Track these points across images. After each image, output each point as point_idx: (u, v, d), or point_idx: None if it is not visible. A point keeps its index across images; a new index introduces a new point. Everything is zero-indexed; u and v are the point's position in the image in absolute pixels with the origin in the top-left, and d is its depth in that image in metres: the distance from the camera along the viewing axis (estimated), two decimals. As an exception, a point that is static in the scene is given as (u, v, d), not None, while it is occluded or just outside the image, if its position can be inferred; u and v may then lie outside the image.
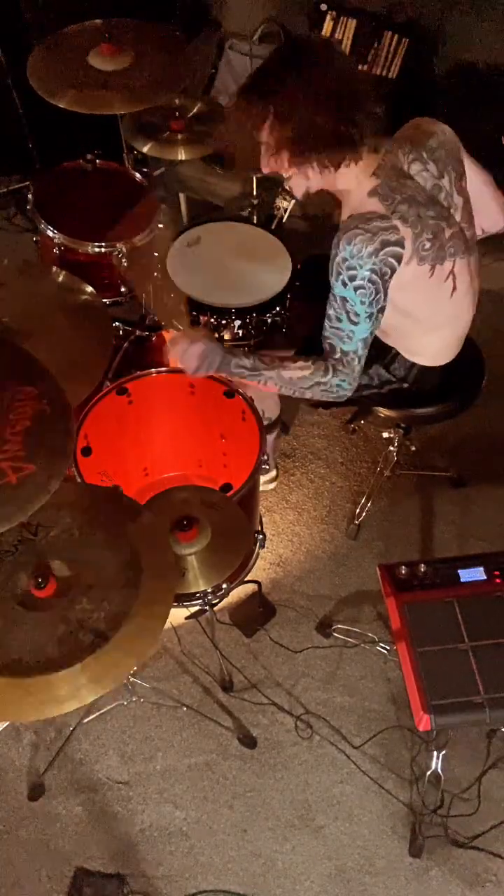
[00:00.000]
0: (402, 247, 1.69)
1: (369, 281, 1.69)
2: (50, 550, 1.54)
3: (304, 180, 1.75)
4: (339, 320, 1.75)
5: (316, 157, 1.67)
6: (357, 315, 1.73)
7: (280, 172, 1.75)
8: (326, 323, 1.78)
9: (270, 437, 2.67)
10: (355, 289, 1.70)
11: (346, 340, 1.77)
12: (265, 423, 2.56)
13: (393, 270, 1.71)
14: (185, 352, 1.87)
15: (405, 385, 2.09)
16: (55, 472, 1.38)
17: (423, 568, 1.94)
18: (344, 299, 1.72)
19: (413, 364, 2.05)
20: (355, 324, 1.75)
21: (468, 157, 1.90)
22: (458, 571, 1.93)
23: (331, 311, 1.76)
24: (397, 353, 2.04)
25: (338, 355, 1.80)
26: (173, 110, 2.51)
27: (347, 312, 1.74)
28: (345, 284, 1.70)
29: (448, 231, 1.79)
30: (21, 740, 2.21)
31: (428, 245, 1.74)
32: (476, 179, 1.93)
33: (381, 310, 1.76)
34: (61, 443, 1.44)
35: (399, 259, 1.70)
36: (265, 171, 1.77)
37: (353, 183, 1.74)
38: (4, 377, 1.51)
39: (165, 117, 2.52)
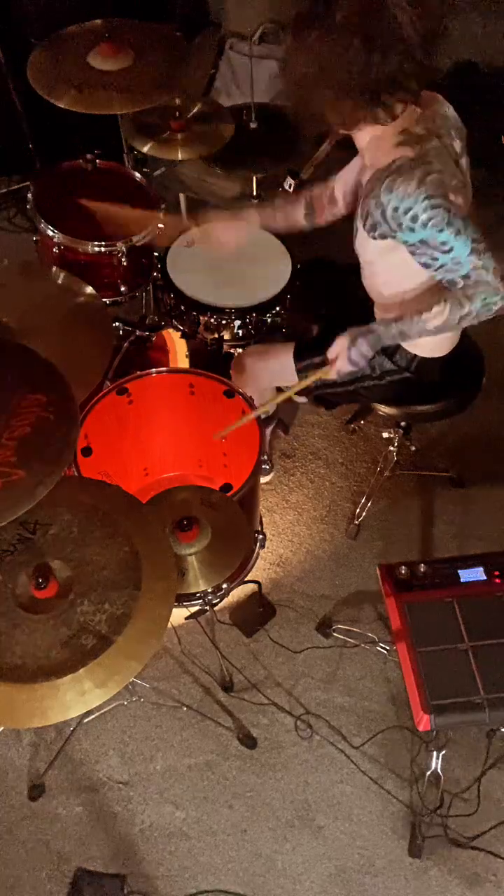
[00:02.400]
0: (442, 173, 1.62)
1: (432, 207, 1.60)
2: (49, 549, 1.54)
3: (350, 124, 1.69)
4: (436, 259, 1.67)
5: (348, 101, 1.61)
6: (445, 243, 1.63)
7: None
8: (428, 271, 1.71)
9: (266, 431, 2.66)
10: (425, 224, 1.61)
11: (457, 269, 1.68)
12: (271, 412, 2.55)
13: (445, 189, 1.62)
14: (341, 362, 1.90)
15: (406, 374, 2.07)
16: (45, 480, 1.38)
17: (423, 568, 1.94)
18: (423, 242, 1.65)
19: (414, 355, 2.04)
20: (450, 250, 1.64)
21: None
22: (458, 571, 1.93)
23: (424, 259, 1.69)
24: (402, 349, 2.04)
25: (461, 285, 1.70)
26: (173, 110, 2.51)
27: (437, 248, 1.65)
28: (412, 230, 1.63)
29: (463, 200, 1.71)
30: (21, 740, 2.21)
31: (452, 196, 1.65)
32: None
33: (465, 220, 1.64)
34: (57, 452, 1.44)
35: (445, 184, 1.62)
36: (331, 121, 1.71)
37: (377, 138, 1.69)
38: (16, 382, 1.52)
39: (165, 117, 2.51)
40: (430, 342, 2.01)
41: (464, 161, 1.77)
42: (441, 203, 1.61)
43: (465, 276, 1.69)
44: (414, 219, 1.62)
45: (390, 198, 1.62)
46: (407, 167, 1.61)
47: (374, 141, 1.73)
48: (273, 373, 2.27)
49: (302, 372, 2.16)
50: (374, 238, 1.75)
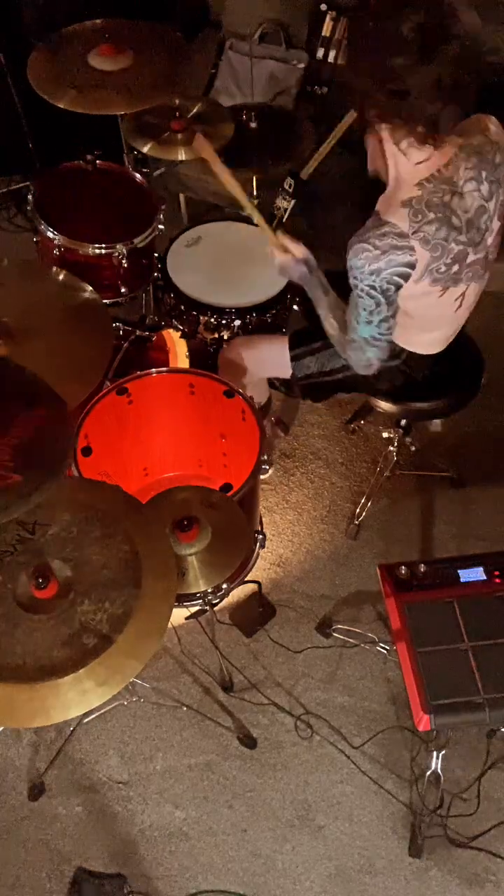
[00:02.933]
0: (413, 268, 1.67)
1: (368, 294, 1.71)
2: (49, 549, 1.54)
3: (373, 146, 1.70)
4: (350, 312, 1.82)
5: (384, 121, 1.57)
6: (358, 317, 1.79)
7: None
8: (349, 303, 1.83)
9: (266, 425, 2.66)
10: (357, 296, 1.74)
11: (352, 330, 1.84)
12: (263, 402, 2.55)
13: (398, 287, 1.70)
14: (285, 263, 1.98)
15: (397, 362, 2.06)
16: (41, 485, 1.38)
17: (423, 568, 1.94)
18: (352, 298, 1.77)
19: (403, 349, 2.04)
20: (357, 322, 1.80)
21: None
22: (458, 571, 1.93)
23: (349, 300, 1.80)
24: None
25: (348, 336, 1.88)
26: (173, 110, 2.51)
27: (353, 309, 1.79)
28: (353, 287, 1.74)
29: (472, 257, 1.75)
30: (21, 740, 2.21)
31: (444, 269, 1.71)
32: None
33: (386, 319, 1.77)
34: (55, 457, 1.44)
35: (406, 278, 1.69)
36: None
37: (403, 176, 1.66)
38: (17, 401, 1.52)
39: (165, 117, 2.51)
40: (424, 343, 2.02)
41: (491, 204, 1.70)
42: (379, 297, 1.71)
43: (352, 339, 1.87)
44: (355, 286, 1.72)
45: (353, 260, 1.68)
46: (385, 246, 1.63)
47: (395, 180, 1.69)
48: (265, 363, 2.27)
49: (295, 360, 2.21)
50: None
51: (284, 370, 2.21)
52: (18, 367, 1.60)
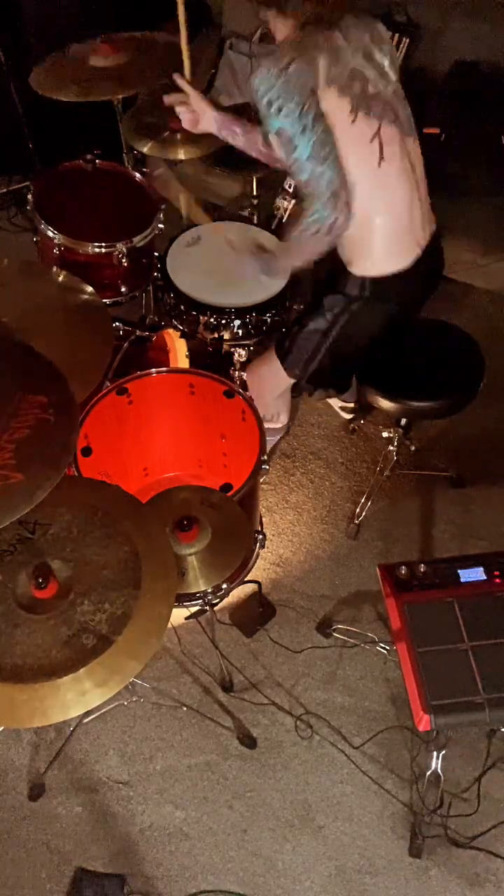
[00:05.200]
0: (311, 64, 1.70)
1: (286, 98, 1.69)
2: (49, 549, 1.54)
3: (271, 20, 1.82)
4: (288, 156, 1.78)
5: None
6: (291, 139, 1.74)
7: None
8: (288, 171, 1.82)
9: (274, 438, 2.68)
10: (278, 110, 1.71)
11: (299, 171, 1.79)
12: (281, 424, 2.58)
13: (307, 81, 1.71)
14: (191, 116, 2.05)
15: (360, 303, 2.05)
16: (43, 483, 1.38)
17: (423, 568, 1.94)
18: (277, 131, 1.74)
19: (363, 278, 2.02)
20: (295, 147, 1.75)
21: None
22: (458, 571, 1.93)
23: (282, 153, 1.78)
24: (347, 273, 2.04)
25: (303, 193, 1.83)
26: (173, 110, 2.51)
27: (286, 142, 1.75)
28: (269, 117, 1.73)
29: (372, 89, 1.80)
30: (21, 740, 2.21)
31: (346, 80, 1.75)
32: None
33: (316, 119, 1.74)
34: (57, 454, 1.44)
35: (313, 75, 1.71)
36: None
37: (281, 33, 1.80)
38: (16, 383, 1.51)
39: (165, 117, 2.51)
40: (378, 251, 2.00)
41: (384, 57, 1.84)
42: (294, 92, 1.69)
43: (305, 184, 1.79)
44: (269, 104, 1.71)
45: (255, 80, 1.70)
46: (276, 54, 1.70)
47: (279, 38, 1.82)
48: (269, 381, 2.29)
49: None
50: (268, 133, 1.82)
51: (285, 378, 2.23)
52: (22, 345, 1.60)
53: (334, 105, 1.76)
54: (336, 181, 1.81)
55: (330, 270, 2.09)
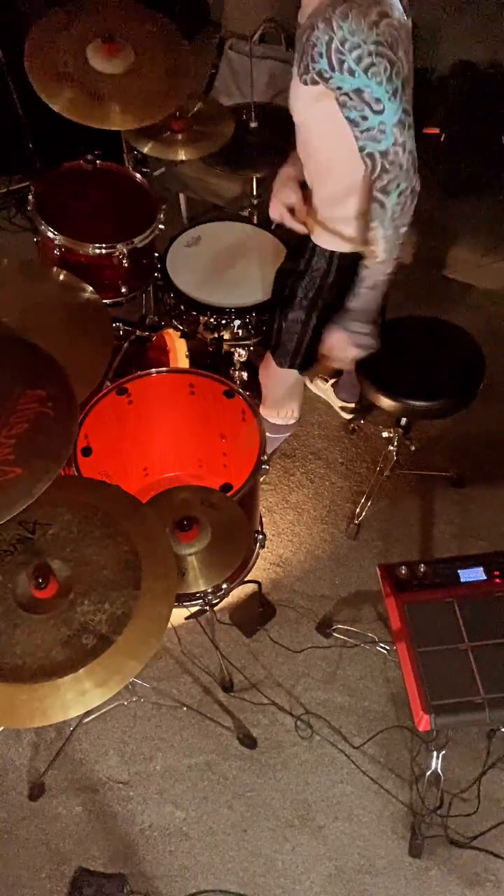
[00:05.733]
0: (394, 23, 1.51)
1: (378, 55, 1.49)
2: (49, 549, 1.54)
3: None
4: (365, 118, 1.56)
5: None
6: (379, 100, 1.53)
7: None
8: (353, 132, 1.60)
9: (284, 435, 2.68)
10: (366, 70, 1.50)
11: (380, 138, 1.58)
12: (293, 421, 2.57)
13: (396, 42, 1.51)
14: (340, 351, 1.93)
15: (334, 278, 1.97)
16: (43, 476, 1.38)
17: (423, 568, 1.94)
18: (358, 92, 1.53)
19: (332, 253, 1.93)
20: (380, 112, 1.55)
21: None
22: (458, 571, 1.93)
23: (353, 115, 1.57)
24: (310, 249, 1.95)
25: (378, 163, 1.61)
26: (173, 110, 2.51)
27: (370, 104, 1.54)
28: (352, 72, 1.51)
29: (406, 65, 1.61)
30: (21, 740, 2.21)
31: (401, 55, 1.56)
32: None
33: (404, 84, 1.55)
34: (56, 447, 1.43)
35: (396, 41, 1.51)
36: None
37: None
38: (15, 378, 1.51)
39: (165, 117, 2.52)
40: (353, 231, 1.88)
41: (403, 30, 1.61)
42: (388, 53, 1.50)
43: (384, 153, 1.60)
44: (358, 59, 1.49)
45: (342, 27, 1.47)
46: (355, 4, 1.48)
47: None
48: (274, 378, 2.29)
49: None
50: (306, 83, 1.61)
51: (285, 374, 2.23)
52: (20, 340, 1.60)
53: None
54: (414, 150, 1.62)
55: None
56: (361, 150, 1.63)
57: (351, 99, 1.55)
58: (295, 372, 2.26)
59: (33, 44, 2.39)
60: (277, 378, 2.32)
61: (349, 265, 1.92)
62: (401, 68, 1.55)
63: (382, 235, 1.73)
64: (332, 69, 1.54)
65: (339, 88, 1.56)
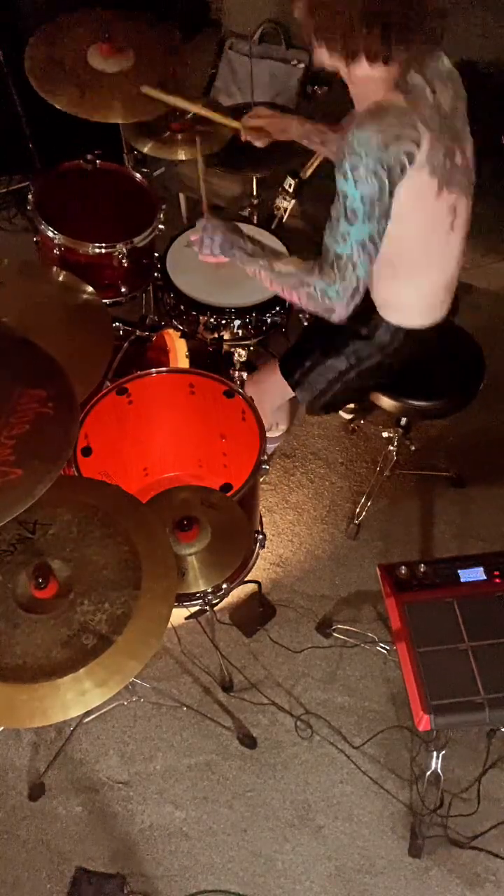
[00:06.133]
0: (418, 146, 1.58)
1: (373, 173, 1.57)
2: (49, 549, 1.54)
3: (320, 54, 1.65)
4: (338, 220, 1.65)
5: (327, 36, 1.58)
6: (355, 213, 1.62)
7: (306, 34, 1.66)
8: (326, 225, 1.69)
9: (273, 445, 2.68)
10: (356, 181, 1.58)
11: (339, 241, 1.66)
12: (280, 433, 2.58)
13: (402, 169, 1.59)
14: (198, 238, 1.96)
15: (386, 353, 2.01)
16: (43, 477, 1.38)
17: (423, 568, 1.94)
18: (344, 194, 1.61)
19: (398, 328, 1.97)
20: (351, 223, 1.63)
21: None
22: (458, 571, 1.93)
23: (332, 212, 1.66)
24: (380, 319, 1.97)
25: (330, 258, 1.70)
26: (173, 110, 2.51)
27: (346, 210, 1.62)
28: (345, 177, 1.59)
29: (459, 158, 1.70)
30: (21, 740, 2.21)
31: (441, 159, 1.63)
32: None
33: (385, 215, 1.63)
34: (57, 448, 1.43)
35: (412, 159, 1.58)
36: (296, 14, 1.67)
37: (371, 88, 1.63)
38: (15, 379, 1.51)
39: (165, 117, 2.51)
40: (419, 303, 1.94)
41: (459, 112, 1.72)
42: (384, 179, 1.58)
43: (338, 256, 1.68)
44: (354, 168, 1.58)
45: (357, 135, 1.56)
46: (390, 121, 1.56)
47: (363, 84, 1.66)
48: (271, 394, 2.29)
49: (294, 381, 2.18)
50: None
51: (288, 393, 2.23)
52: (20, 339, 1.60)
53: (421, 185, 1.65)
54: (363, 281, 1.73)
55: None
56: (323, 242, 1.72)
57: (337, 199, 1.64)
58: (289, 391, 2.24)
59: (35, 49, 2.41)
60: (271, 395, 2.31)
61: (411, 343, 1.98)
62: (386, 200, 1.61)
63: (270, 278, 1.85)
64: (336, 172, 1.63)
65: (336, 183, 1.65)
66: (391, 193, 1.62)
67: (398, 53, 1.57)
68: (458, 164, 1.71)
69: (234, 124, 2.12)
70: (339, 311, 1.78)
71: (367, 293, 1.88)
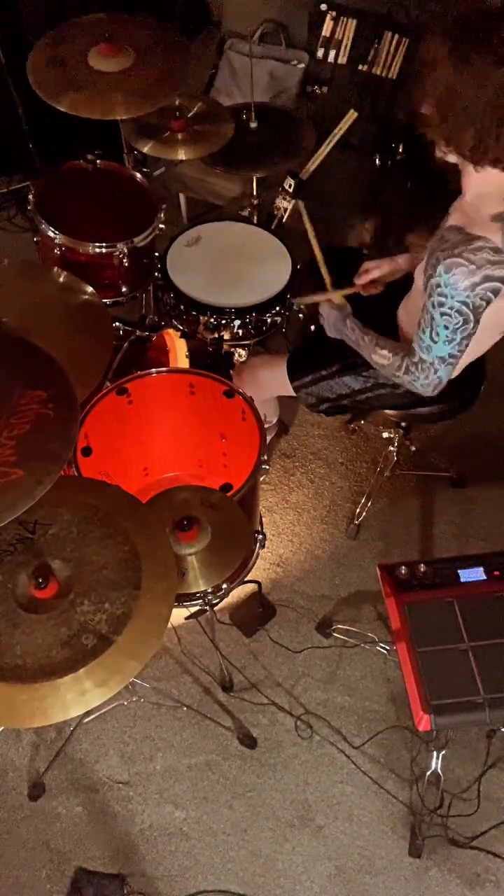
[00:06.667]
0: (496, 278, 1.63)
1: (458, 312, 1.64)
2: (49, 549, 1.54)
3: (440, 148, 1.65)
4: (424, 331, 1.73)
5: (454, 135, 1.58)
6: (437, 335, 1.70)
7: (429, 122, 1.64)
8: (417, 327, 1.75)
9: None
10: (442, 314, 1.66)
11: (423, 350, 1.75)
12: (268, 425, 2.57)
13: (488, 303, 1.65)
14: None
15: (400, 389, 2.05)
16: (44, 478, 1.38)
17: (423, 568, 1.94)
18: (431, 317, 1.69)
19: None
20: (434, 342, 1.72)
21: None
22: (458, 571, 1.93)
23: (421, 318, 1.73)
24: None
25: (416, 358, 1.79)
26: (173, 110, 2.51)
27: (431, 328, 1.70)
28: (434, 305, 1.66)
29: None
30: (21, 740, 2.21)
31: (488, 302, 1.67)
32: None
33: (468, 336, 1.71)
34: (57, 449, 1.43)
35: (496, 293, 1.64)
36: (419, 109, 1.65)
37: (486, 190, 1.65)
38: (15, 380, 1.51)
39: (165, 117, 2.51)
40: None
41: None
42: (469, 314, 1.65)
43: (422, 360, 1.77)
44: (441, 304, 1.65)
45: (445, 276, 1.61)
46: (481, 261, 1.59)
47: (476, 186, 1.68)
48: (269, 388, 2.28)
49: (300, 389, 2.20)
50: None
51: (288, 390, 2.22)
52: (19, 340, 1.60)
53: (495, 310, 1.69)
54: (445, 380, 1.81)
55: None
56: (415, 335, 1.78)
57: (425, 312, 1.71)
58: (288, 390, 2.23)
59: (36, 56, 2.41)
60: (269, 389, 2.30)
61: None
62: (472, 330, 1.69)
63: (382, 364, 1.91)
64: (424, 289, 1.69)
65: (426, 305, 1.70)
66: (476, 322, 1.68)
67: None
68: None
69: (353, 290, 2.09)
70: (426, 394, 1.87)
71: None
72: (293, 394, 2.22)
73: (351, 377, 2.10)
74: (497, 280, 1.61)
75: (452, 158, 1.66)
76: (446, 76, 1.52)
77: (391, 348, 1.88)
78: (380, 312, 2.06)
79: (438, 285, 1.63)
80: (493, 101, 1.50)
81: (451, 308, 1.64)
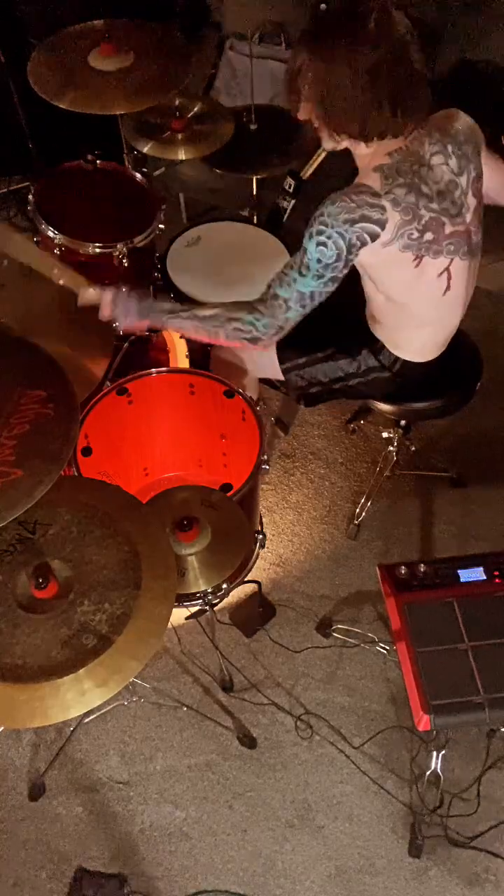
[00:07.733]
0: (382, 228, 1.68)
1: (333, 243, 1.68)
2: (49, 549, 1.54)
3: (330, 140, 1.74)
4: (290, 268, 1.75)
5: (341, 124, 1.66)
6: (307, 268, 1.72)
7: (310, 124, 1.75)
8: (278, 272, 1.79)
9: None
10: (317, 244, 1.69)
11: (283, 285, 1.76)
12: None
13: (362, 244, 1.69)
14: (102, 304, 1.92)
15: (389, 374, 2.07)
16: (44, 478, 1.38)
17: (422, 568, 1.94)
18: (304, 249, 1.72)
19: (397, 357, 2.04)
20: (301, 275, 1.73)
21: (489, 154, 1.88)
22: (458, 571, 1.93)
23: (288, 260, 1.77)
24: (384, 345, 2.04)
25: (268, 296, 1.80)
26: (173, 110, 2.51)
27: (300, 262, 1.73)
28: (311, 237, 1.70)
29: (450, 228, 1.77)
30: (21, 740, 2.21)
31: (416, 235, 1.72)
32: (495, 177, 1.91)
33: (334, 280, 1.73)
34: (57, 449, 1.43)
35: (374, 237, 1.69)
36: (298, 116, 1.74)
37: (369, 156, 1.73)
38: (16, 378, 1.52)
39: (165, 117, 2.52)
40: (416, 346, 2.02)
41: (463, 179, 1.77)
42: (342, 249, 1.68)
43: (275, 295, 1.77)
44: (319, 233, 1.68)
45: (328, 207, 1.67)
46: (360, 201, 1.66)
47: (361, 158, 1.77)
48: (255, 365, 2.27)
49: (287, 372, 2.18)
50: None
51: (276, 373, 2.22)
52: (19, 340, 1.60)
53: (391, 258, 1.74)
54: (290, 324, 1.81)
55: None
56: (270, 281, 1.80)
57: (299, 250, 1.73)
58: (275, 370, 2.22)
59: (37, 59, 2.42)
60: (261, 369, 2.27)
61: (412, 368, 2.05)
62: (341, 273, 1.72)
63: (195, 325, 1.86)
64: (307, 223, 1.72)
65: (304, 234, 1.73)
66: (346, 264, 1.72)
67: (406, 129, 1.68)
68: (447, 233, 1.77)
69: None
70: (264, 342, 1.85)
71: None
72: (280, 376, 2.20)
73: (346, 360, 2.10)
74: (374, 223, 1.67)
75: (345, 144, 1.74)
76: (320, 76, 1.60)
77: (215, 303, 1.88)
78: (351, 321, 2.07)
79: (321, 214, 1.67)
80: (369, 82, 1.58)
81: (328, 238, 1.67)
